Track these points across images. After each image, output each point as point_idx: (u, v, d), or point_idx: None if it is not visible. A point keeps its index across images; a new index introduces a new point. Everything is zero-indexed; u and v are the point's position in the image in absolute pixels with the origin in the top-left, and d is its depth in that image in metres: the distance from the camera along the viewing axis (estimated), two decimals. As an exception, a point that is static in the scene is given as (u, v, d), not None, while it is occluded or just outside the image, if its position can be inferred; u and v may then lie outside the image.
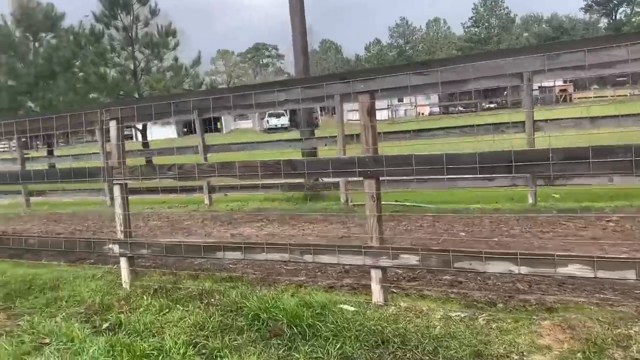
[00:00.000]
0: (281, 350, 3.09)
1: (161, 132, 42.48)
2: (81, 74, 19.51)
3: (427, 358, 2.86)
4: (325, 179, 8.45)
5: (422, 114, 48.96)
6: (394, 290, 3.95)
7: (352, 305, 3.60)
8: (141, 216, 8.79)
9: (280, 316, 3.44)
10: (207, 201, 10.02)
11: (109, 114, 4.54)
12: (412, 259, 3.43)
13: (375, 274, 3.60)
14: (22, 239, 5.44)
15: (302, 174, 3.79)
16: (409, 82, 3.33)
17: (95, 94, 19.27)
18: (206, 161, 9.10)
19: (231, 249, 4.18)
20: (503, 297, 3.69)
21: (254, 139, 18.05)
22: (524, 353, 2.81)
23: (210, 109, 4.14)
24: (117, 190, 4.58)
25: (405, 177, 3.45)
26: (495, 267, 3.16)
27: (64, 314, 3.96)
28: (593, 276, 2.95)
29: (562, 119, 7.15)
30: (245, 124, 58.21)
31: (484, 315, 3.30)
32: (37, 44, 20.10)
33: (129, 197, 4.69)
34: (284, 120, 47.46)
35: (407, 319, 3.32)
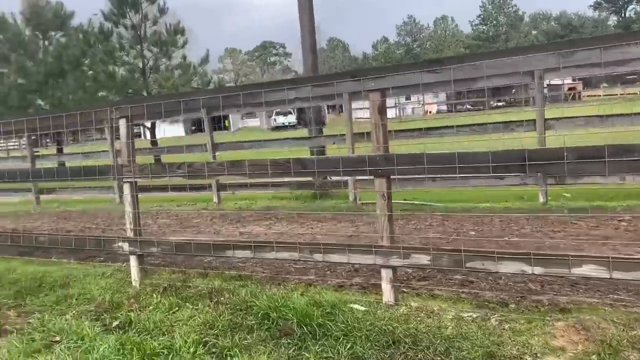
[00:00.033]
0: (291, 350, 3.08)
1: (169, 130, 42.65)
2: (90, 72, 19.61)
3: (439, 359, 2.84)
4: (334, 178, 8.42)
5: (430, 112, 48.77)
6: (405, 290, 3.93)
7: (362, 305, 3.58)
8: (150, 214, 8.81)
9: (290, 315, 3.42)
10: (215, 199, 10.03)
11: (118, 112, 4.54)
12: (424, 259, 3.40)
13: (386, 274, 3.57)
14: (32, 237, 5.46)
15: (312, 173, 3.76)
16: (421, 80, 3.30)
17: (104, 92, 19.36)
18: (215, 159, 9.11)
19: (241, 247, 4.17)
20: (515, 297, 3.66)
21: (261, 137, 18.07)
22: (538, 355, 2.77)
23: (220, 107, 4.13)
24: (126, 189, 4.58)
25: (415, 176, 3.42)
26: (508, 268, 3.13)
27: (74, 311, 3.97)
28: (608, 277, 2.90)
29: (573, 117, 7.08)
30: (253, 122, 58.26)
31: (496, 315, 3.26)
32: (46, 43, 20.21)
33: (138, 195, 4.69)
34: (292, 119, 47.43)
35: (418, 319, 3.30)
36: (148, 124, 19.94)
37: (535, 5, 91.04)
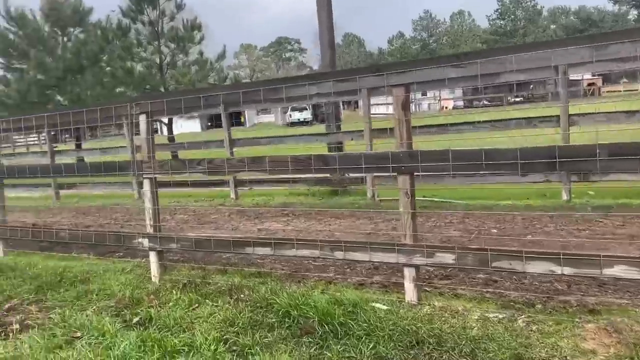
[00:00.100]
0: (313, 349, 3.03)
1: (185, 126, 42.83)
2: (108, 68, 19.71)
3: (465, 360, 2.77)
4: (352, 174, 8.34)
5: (446, 107, 48.40)
6: (427, 289, 3.86)
7: (384, 304, 3.53)
8: (168, 210, 8.83)
9: (311, 314, 3.38)
10: (233, 195, 10.03)
11: (138, 108, 4.53)
12: (448, 258, 3.33)
13: (409, 273, 3.51)
14: (53, 232, 5.49)
15: (333, 169, 3.70)
16: (446, 75, 3.22)
17: (122, 88, 19.45)
18: (232, 155, 9.09)
19: (261, 244, 4.13)
20: (541, 297, 3.57)
21: (277, 133, 18.04)
22: (568, 357, 2.69)
23: (240, 103, 4.09)
24: (146, 185, 4.57)
25: (436, 173, 3.34)
26: (536, 268, 3.04)
27: (94, 307, 3.97)
28: (641, 278, 2.81)
29: (597, 113, 6.91)
30: (268, 118, 58.31)
31: (523, 316, 3.18)
32: (65, 39, 20.36)
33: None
34: (307, 114, 47.39)
35: (442, 319, 3.23)
36: (165, 120, 20.04)
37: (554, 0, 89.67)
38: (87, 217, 9.21)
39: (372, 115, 8.51)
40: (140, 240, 4.72)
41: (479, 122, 8.08)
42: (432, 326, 3.11)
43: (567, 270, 2.97)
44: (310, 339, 3.14)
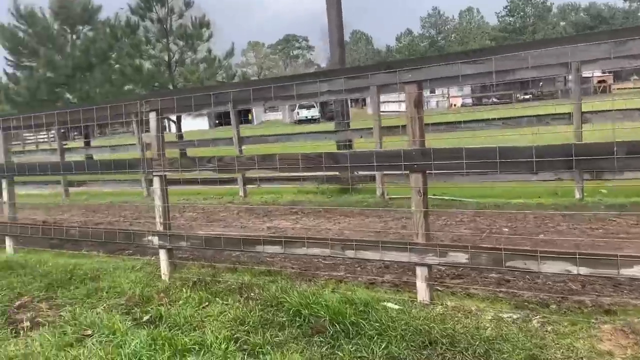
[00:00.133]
0: (324, 348, 3.00)
1: (192, 124, 42.87)
2: (117, 65, 19.81)
3: (479, 361, 2.73)
4: (361, 172, 8.30)
5: (455, 105, 48.17)
6: (439, 289, 3.82)
7: (396, 303, 3.49)
8: (176, 208, 8.84)
9: (322, 313, 3.35)
10: (241, 193, 10.02)
11: (148, 105, 4.51)
12: (461, 257, 3.28)
13: (421, 272, 3.47)
14: (63, 229, 5.50)
15: (344, 167, 3.66)
16: (460, 72, 3.17)
17: (130, 86, 19.53)
18: (241, 153, 9.08)
19: (271, 242, 4.11)
20: (555, 297, 3.52)
21: (285, 131, 18.02)
22: (584, 359, 2.65)
23: (250, 100, 4.06)
24: (156, 182, 4.56)
25: (449, 171, 3.31)
26: (552, 267, 3.00)
27: (104, 305, 3.96)
28: (659, 279, 2.76)
29: (610, 110, 6.83)
30: (275, 116, 58.30)
31: (537, 317, 3.14)
32: (74, 37, 20.45)
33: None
34: (315, 112, 47.35)
35: (455, 319, 3.19)
36: (174, 117, 20.09)
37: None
38: (97, 214, 9.23)
39: (381, 113, 8.46)
40: (150, 238, 4.71)
41: (490, 119, 8.01)
42: (445, 326, 3.07)
43: (584, 271, 2.92)
44: (321, 339, 3.11)
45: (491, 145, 3.11)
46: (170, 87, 19.45)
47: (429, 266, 3.47)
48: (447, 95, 49.27)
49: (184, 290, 4.08)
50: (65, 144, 13.62)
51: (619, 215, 5.64)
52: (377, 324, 3.15)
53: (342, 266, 4.77)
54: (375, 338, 3.01)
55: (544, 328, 2.99)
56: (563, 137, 6.11)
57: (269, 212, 7.92)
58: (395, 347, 2.91)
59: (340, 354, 2.90)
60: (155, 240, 4.65)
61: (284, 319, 3.41)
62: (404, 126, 3.52)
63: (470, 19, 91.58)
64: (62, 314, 3.87)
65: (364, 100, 45.27)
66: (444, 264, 3.49)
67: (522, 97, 42.11)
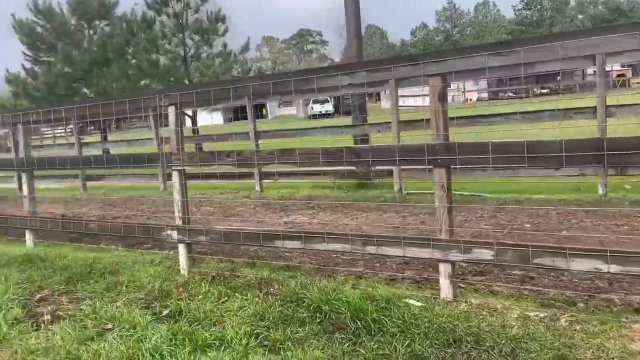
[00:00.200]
0: (346, 345, 2.96)
1: (206, 119, 43.02)
2: (134, 60, 19.89)
3: (505, 360, 2.67)
4: (380, 167, 8.23)
5: (470, 99, 47.70)
6: (461, 285, 3.75)
7: (418, 300, 3.43)
8: (193, 202, 8.84)
9: (343, 309, 3.31)
10: (258, 188, 10.01)
11: (167, 100, 4.49)
12: (486, 254, 3.21)
13: (445, 269, 3.41)
14: (82, 223, 5.52)
15: (366, 162, 3.61)
16: (487, 64, 3.09)
17: (147, 81, 19.62)
18: (258, 147, 9.06)
19: (290, 237, 4.07)
20: (582, 295, 3.44)
21: (299, 125, 17.97)
22: (615, 359, 2.57)
23: (269, 94, 4.02)
24: (175, 177, 4.55)
25: (475, 166, 3.23)
26: (581, 265, 2.92)
27: (124, 299, 3.96)
28: (695, 278, 2.66)
29: (638, 104, 6.65)
30: (289, 111, 58.27)
31: (565, 315, 3.06)
32: (91, 32, 20.58)
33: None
34: (329, 107, 47.20)
35: (480, 317, 3.13)
36: (189, 112, 20.15)
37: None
38: (114, 208, 9.28)
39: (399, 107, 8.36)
40: (169, 232, 4.70)
41: (510, 113, 7.88)
42: (470, 324, 3.01)
43: (614, 268, 2.84)
44: (342, 335, 3.06)
45: (519, 140, 3.03)
46: (186, 81, 19.51)
47: (453, 263, 3.41)
48: (462, 90, 48.78)
49: (203, 285, 4.07)
50: (82, 139, 13.73)
51: (644, 211, 5.52)
52: (400, 321, 3.10)
53: (361, 262, 4.71)
54: (398, 335, 2.96)
55: (572, 327, 2.92)
56: (586, 131, 5.98)
57: (286, 206, 7.89)
58: (419, 344, 2.85)
59: (362, 351, 2.86)
60: (174, 234, 4.64)
61: (304, 315, 3.37)
62: (421, 120, 3.45)
63: (486, 13, 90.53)
64: (82, 307, 3.87)
65: (377, 94, 45.01)
66: (468, 260, 3.43)
67: (539, 91, 41.53)
